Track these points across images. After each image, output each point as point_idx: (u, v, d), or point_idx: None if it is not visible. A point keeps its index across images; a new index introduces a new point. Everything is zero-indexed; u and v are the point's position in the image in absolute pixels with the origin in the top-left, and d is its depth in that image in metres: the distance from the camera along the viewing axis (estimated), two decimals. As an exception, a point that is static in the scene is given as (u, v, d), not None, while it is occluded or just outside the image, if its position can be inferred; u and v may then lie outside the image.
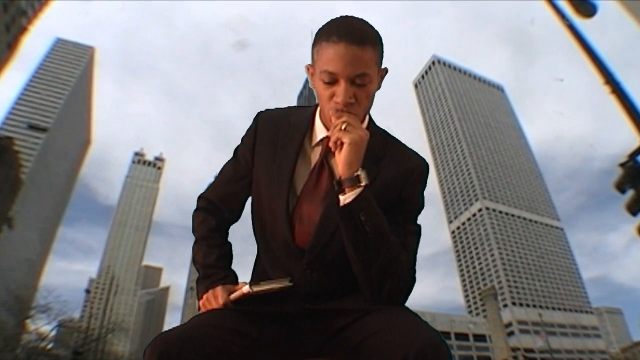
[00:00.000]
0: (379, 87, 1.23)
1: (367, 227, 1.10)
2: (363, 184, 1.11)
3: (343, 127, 1.12)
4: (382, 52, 1.20)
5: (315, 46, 1.18)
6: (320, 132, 1.29)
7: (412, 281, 1.19)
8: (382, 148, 1.28)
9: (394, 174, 1.26)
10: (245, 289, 1.22)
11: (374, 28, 1.19)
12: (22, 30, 51.97)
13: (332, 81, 1.15)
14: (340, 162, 1.12)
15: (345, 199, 1.11)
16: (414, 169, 1.29)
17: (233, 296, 1.23)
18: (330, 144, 1.15)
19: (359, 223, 1.10)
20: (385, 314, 1.10)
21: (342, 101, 1.14)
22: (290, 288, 1.22)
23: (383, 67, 1.22)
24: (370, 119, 1.32)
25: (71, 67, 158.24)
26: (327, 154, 1.26)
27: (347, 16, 1.20)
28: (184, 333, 1.05)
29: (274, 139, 1.32)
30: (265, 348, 1.15)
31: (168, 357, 0.99)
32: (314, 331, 1.21)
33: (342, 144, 1.12)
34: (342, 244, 1.18)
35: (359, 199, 1.10)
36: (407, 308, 1.17)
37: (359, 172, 1.11)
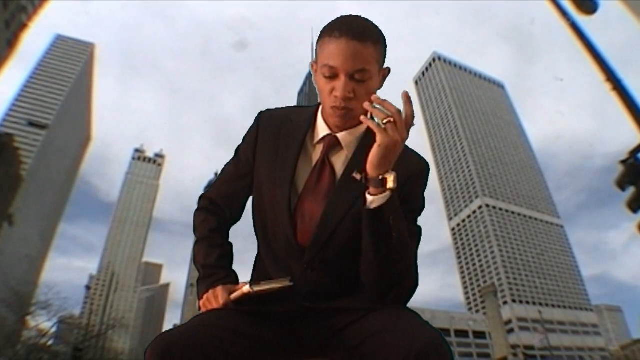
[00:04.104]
0: (380, 87, 1.23)
1: (394, 231, 1.10)
2: (390, 187, 1.09)
3: (384, 122, 1.05)
4: (385, 51, 1.21)
5: (319, 42, 1.20)
6: (322, 130, 1.29)
7: (416, 283, 1.20)
8: None
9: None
10: (246, 289, 1.22)
11: (377, 27, 1.20)
12: (22, 27, 51.90)
13: (333, 76, 1.16)
14: (368, 162, 1.09)
15: (373, 200, 1.09)
16: (414, 169, 1.28)
17: (233, 296, 1.23)
18: (362, 118, 1.10)
19: (387, 227, 1.10)
20: (386, 314, 1.09)
21: (341, 95, 1.15)
22: (290, 288, 1.21)
23: (385, 67, 1.23)
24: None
25: (71, 64, 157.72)
26: (329, 151, 1.27)
27: (351, 15, 1.22)
28: (184, 333, 1.05)
29: (276, 137, 1.33)
30: (265, 348, 1.15)
31: (169, 357, 0.99)
32: (314, 331, 1.21)
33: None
34: (342, 242, 1.19)
35: (389, 203, 1.09)
36: (407, 308, 1.17)
37: (385, 176, 1.09)
